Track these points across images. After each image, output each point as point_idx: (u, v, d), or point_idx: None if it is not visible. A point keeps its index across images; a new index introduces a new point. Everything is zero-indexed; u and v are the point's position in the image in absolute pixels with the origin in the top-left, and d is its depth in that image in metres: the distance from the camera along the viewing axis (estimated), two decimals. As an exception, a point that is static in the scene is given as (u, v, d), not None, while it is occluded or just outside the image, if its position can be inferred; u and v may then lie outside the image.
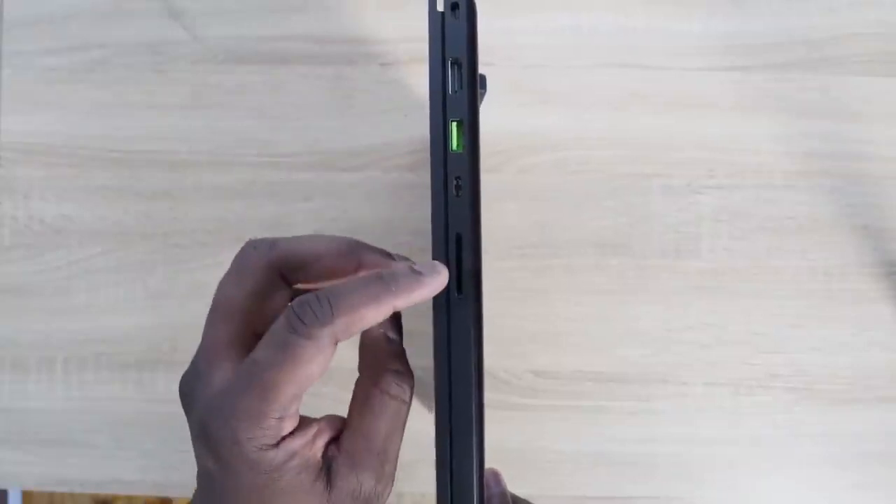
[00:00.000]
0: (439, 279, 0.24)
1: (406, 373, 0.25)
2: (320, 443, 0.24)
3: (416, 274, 0.23)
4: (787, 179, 0.46)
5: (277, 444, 0.23)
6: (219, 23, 0.48)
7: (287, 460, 0.23)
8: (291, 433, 0.23)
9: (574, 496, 0.46)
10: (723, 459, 0.46)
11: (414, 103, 0.47)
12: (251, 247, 0.25)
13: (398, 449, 0.25)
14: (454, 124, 0.25)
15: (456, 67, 0.25)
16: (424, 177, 0.47)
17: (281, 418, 0.22)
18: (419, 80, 0.47)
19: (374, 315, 0.23)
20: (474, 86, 0.25)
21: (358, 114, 0.47)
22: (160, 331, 0.47)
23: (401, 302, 0.23)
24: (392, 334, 0.25)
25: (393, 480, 0.25)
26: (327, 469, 0.24)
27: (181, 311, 0.47)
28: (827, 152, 0.46)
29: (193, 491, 0.25)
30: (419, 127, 0.47)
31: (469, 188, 0.25)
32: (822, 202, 0.46)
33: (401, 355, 0.26)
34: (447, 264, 0.24)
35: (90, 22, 0.48)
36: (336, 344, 0.23)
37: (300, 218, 0.47)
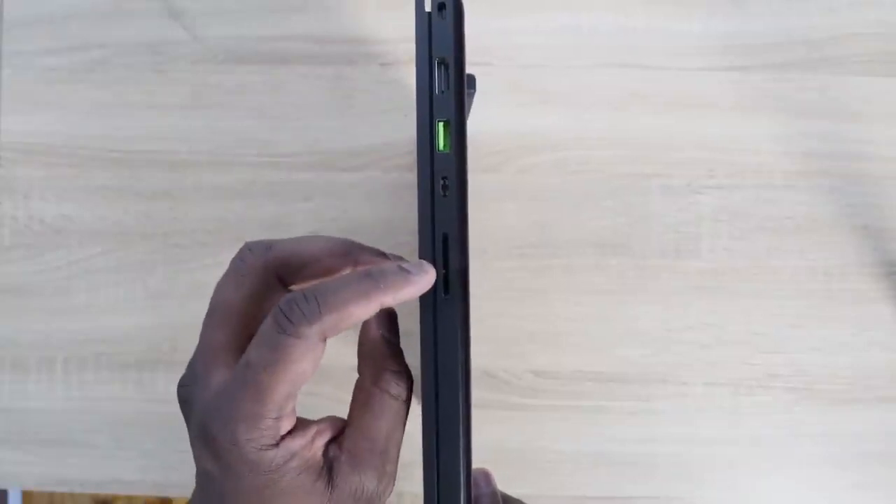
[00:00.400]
0: (427, 278, 0.24)
1: (404, 372, 0.25)
2: (320, 443, 0.24)
3: (404, 272, 0.23)
4: (787, 179, 0.46)
5: (277, 444, 0.23)
6: (219, 23, 0.48)
7: (287, 460, 0.23)
8: (291, 433, 0.23)
9: (574, 496, 0.46)
10: (723, 459, 0.46)
11: (414, 103, 0.47)
12: (247, 249, 0.25)
13: (399, 449, 0.25)
14: (441, 124, 0.25)
15: (443, 67, 0.25)
16: (424, 177, 0.47)
17: (278, 418, 0.23)
18: (419, 80, 0.47)
19: (362, 312, 0.23)
20: (461, 86, 0.25)
21: (358, 114, 0.47)
22: (160, 331, 0.47)
23: (388, 299, 0.23)
24: (390, 335, 0.26)
25: (394, 480, 0.25)
26: (328, 469, 0.24)
27: (181, 311, 0.47)
28: (826, 152, 0.46)
29: (193, 491, 0.25)
30: (419, 127, 0.47)
31: (456, 188, 0.25)
32: (821, 202, 0.46)
33: (399, 355, 0.26)
34: (434, 264, 0.24)
35: (90, 22, 0.48)
36: (325, 341, 0.23)
37: (300, 218, 0.47)
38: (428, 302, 0.25)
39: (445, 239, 0.25)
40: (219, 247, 0.47)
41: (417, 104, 0.25)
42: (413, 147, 0.47)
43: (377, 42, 0.47)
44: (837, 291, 0.46)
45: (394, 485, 0.25)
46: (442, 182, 0.25)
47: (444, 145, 0.25)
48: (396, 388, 0.25)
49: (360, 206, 0.47)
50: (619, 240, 0.46)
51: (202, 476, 0.24)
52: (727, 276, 0.46)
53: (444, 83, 0.25)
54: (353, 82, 0.47)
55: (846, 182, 0.46)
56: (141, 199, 0.48)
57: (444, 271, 0.25)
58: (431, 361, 0.24)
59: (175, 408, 0.48)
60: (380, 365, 0.25)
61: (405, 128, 0.47)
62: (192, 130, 0.47)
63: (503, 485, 0.31)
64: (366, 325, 0.26)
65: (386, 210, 0.47)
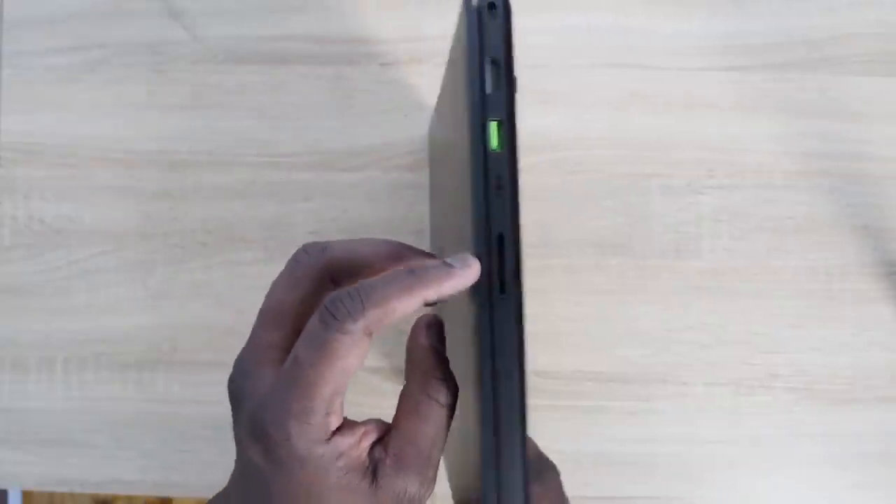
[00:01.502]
0: (471, 272, 0.24)
1: (451, 380, 0.26)
2: (366, 443, 0.25)
3: (447, 266, 0.24)
4: (787, 179, 0.46)
5: (328, 441, 0.23)
6: (219, 23, 0.48)
7: (336, 458, 0.24)
8: (340, 431, 0.24)
9: (574, 496, 0.46)
10: (723, 459, 0.46)
11: (414, 103, 0.47)
12: (303, 251, 0.26)
13: (440, 454, 0.26)
14: (493, 124, 0.25)
15: (493, 67, 0.25)
16: (424, 177, 0.47)
17: (327, 414, 0.23)
18: (419, 80, 0.47)
19: (405, 306, 0.23)
20: (513, 85, 0.25)
21: (358, 114, 0.47)
22: (160, 331, 0.47)
23: (431, 293, 0.23)
24: (437, 344, 0.26)
25: (434, 485, 0.26)
26: (373, 470, 0.25)
27: (181, 311, 0.47)
28: (826, 152, 0.46)
29: (229, 482, 0.25)
30: (419, 127, 0.47)
31: (510, 188, 0.25)
32: (821, 202, 0.46)
33: (445, 363, 0.26)
34: (490, 265, 0.24)
35: (90, 22, 0.48)
36: (371, 336, 0.23)
37: (300, 218, 0.47)
38: (484, 302, 0.25)
39: (501, 238, 0.25)
40: (219, 247, 0.47)
41: (469, 104, 0.25)
42: (413, 147, 0.47)
43: (377, 42, 0.47)
44: (837, 291, 0.46)
45: (433, 489, 0.25)
46: (496, 182, 0.25)
47: (498, 145, 0.25)
48: (444, 396, 0.25)
49: (360, 206, 0.47)
50: (619, 240, 0.46)
51: (248, 469, 0.24)
52: (727, 276, 0.46)
53: (496, 82, 0.25)
54: (353, 82, 0.47)
55: (846, 182, 0.46)
56: (141, 199, 0.48)
57: (499, 271, 0.25)
58: (488, 363, 0.24)
59: (175, 408, 0.48)
60: (428, 373, 0.26)
61: (405, 128, 0.47)
62: (192, 130, 0.47)
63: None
64: (414, 334, 0.26)
65: (386, 210, 0.47)
